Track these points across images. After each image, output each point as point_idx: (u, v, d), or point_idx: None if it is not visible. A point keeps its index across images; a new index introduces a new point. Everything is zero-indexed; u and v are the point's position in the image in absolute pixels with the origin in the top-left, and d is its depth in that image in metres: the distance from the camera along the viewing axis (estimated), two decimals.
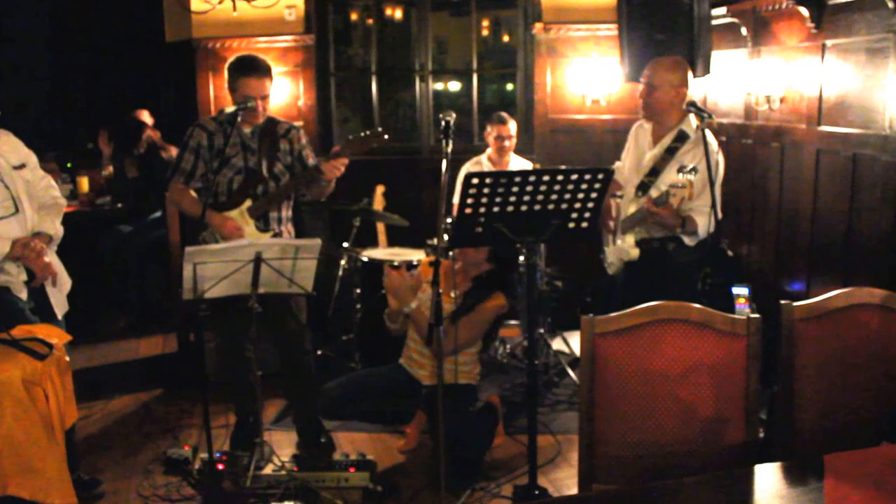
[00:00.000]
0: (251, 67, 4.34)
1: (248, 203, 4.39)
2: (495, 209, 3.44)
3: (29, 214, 3.87)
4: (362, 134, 4.32)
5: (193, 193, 4.51)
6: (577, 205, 3.52)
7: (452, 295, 4.47)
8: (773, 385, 3.03)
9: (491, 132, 6.33)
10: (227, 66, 4.42)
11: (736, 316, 2.87)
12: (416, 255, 5.66)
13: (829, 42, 4.81)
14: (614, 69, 6.43)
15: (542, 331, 5.91)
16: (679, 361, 2.82)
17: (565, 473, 4.45)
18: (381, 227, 6.38)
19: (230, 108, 4.27)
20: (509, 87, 7.75)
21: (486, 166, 6.38)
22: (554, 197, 3.46)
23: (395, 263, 5.11)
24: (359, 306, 5.87)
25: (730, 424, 2.86)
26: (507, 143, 6.28)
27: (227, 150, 4.32)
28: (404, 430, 4.85)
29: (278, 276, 3.94)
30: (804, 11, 4.83)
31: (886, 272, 4.40)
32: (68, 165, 7.51)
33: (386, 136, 4.36)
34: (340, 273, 6.07)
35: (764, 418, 4.00)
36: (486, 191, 3.39)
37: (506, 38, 8.22)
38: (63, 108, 8.39)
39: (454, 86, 8.55)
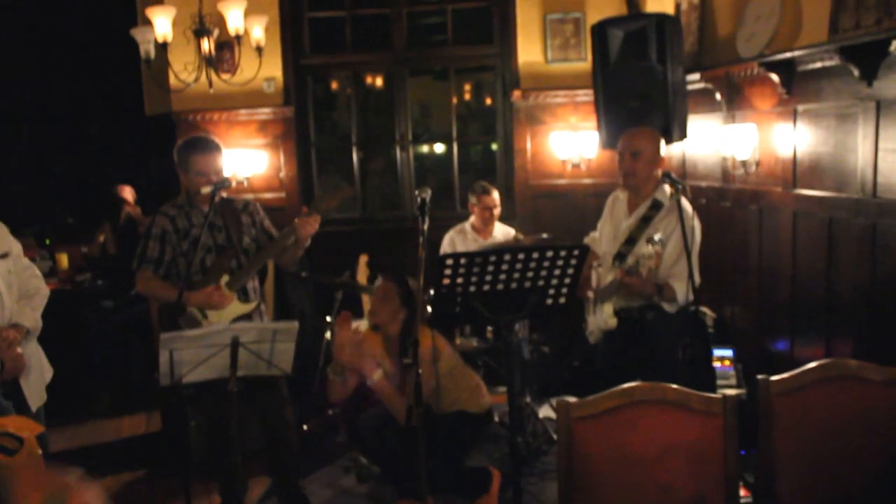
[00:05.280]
0: (202, 146, 4.42)
1: (225, 278, 4.39)
2: (472, 289, 3.43)
3: (8, 305, 3.83)
4: (330, 190, 4.38)
5: (161, 281, 4.48)
6: (554, 281, 3.51)
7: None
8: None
9: (476, 203, 6.35)
10: (175, 149, 4.47)
11: (712, 395, 2.85)
12: None
13: (800, 107, 4.86)
14: (593, 134, 6.48)
15: (528, 399, 5.86)
16: (656, 443, 2.81)
17: None
18: (365, 297, 6.35)
19: (207, 189, 4.28)
20: (494, 146, 7.80)
21: (470, 234, 6.39)
22: (530, 274, 3.46)
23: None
24: None
25: None
26: (490, 213, 6.30)
27: (193, 231, 4.39)
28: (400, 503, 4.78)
29: (257, 359, 3.91)
30: (775, 78, 4.88)
31: (866, 330, 4.40)
32: (47, 242, 7.48)
33: (352, 192, 4.42)
34: (325, 346, 6.03)
35: (751, 482, 3.97)
36: (461, 271, 3.39)
37: (489, 101, 8.28)
38: (42, 182, 8.39)
39: (439, 147, 8.60)
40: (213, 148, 4.42)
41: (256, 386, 4.28)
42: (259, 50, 6.29)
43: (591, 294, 4.56)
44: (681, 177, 5.32)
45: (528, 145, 7.17)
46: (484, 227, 6.38)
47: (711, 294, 5.82)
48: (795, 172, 4.95)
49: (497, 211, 6.37)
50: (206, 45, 6.14)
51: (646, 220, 4.38)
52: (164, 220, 4.46)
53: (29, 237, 6.72)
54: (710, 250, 5.15)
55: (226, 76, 6.60)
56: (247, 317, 4.44)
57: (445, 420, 4.61)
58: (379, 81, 8.27)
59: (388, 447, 4.73)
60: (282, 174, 7.29)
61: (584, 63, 6.93)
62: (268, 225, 4.63)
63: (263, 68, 6.57)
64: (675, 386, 2.86)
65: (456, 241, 6.42)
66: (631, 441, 2.81)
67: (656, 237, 3.98)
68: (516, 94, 7.08)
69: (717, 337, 5.64)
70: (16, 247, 3.99)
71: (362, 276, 6.26)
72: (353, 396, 4.99)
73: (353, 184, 7.67)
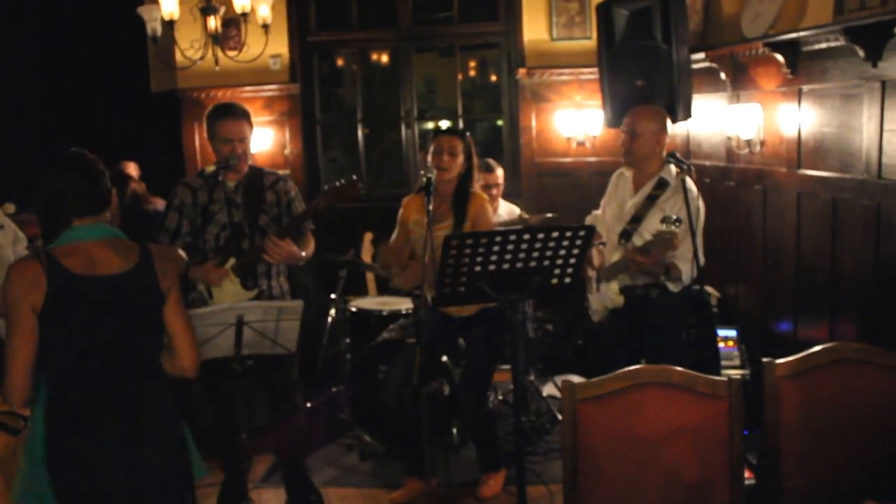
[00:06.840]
0: (226, 111, 4.32)
1: (231, 261, 4.29)
2: (477, 269, 3.43)
3: None
4: (337, 184, 4.26)
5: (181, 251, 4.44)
6: (559, 261, 3.51)
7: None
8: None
9: (479, 180, 6.33)
10: (205, 116, 4.39)
11: (717, 378, 2.87)
12: (406, 305, 5.66)
13: (805, 87, 4.86)
14: (598, 113, 6.47)
15: (532, 378, 5.89)
16: (661, 425, 2.83)
17: None
18: (370, 275, 6.37)
19: (211, 167, 4.25)
20: (500, 122, 7.80)
21: None
22: (535, 254, 3.46)
23: None
24: (348, 356, 5.85)
25: (715, 487, 2.87)
26: (494, 190, 6.29)
27: (211, 206, 4.29)
28: (405, 480, 4.80)
29: (261, 338, 3.92)
30: (780, 58, 4.88)
31: (870, 311, 4.42)
32: None
33: (361, 186, 4.32)
34: (329, 324, 6.05)
35: (754, 462, 4.01)
36: (466, 251, 3.40)
37: (494, 78, 8.27)
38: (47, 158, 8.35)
39: (444, 125, 8.58)
40: (237, 113, 4.29)
41: (267, 364, 4.27)
42: (265, 27, 6.30)
43: (592, 273, 4.57)
44: (685, 156, 5.30)
45: (534, 123, 7.16)
46: None
47: (715, 273, 5.84)
48: (800, 152, 4.96)
49: (500, 189, 6.35)
50: (213, 22, 6.15)
51: (651, 199, 4.38)
52: (186, 191, 4.38)
53: (32, 213, 6.71)
54: (714, 229, 5.17)
55: (232, 53, 6.62)
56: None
57: (473, 321, 4.65)
58: (384, 58, 8.25)
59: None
60: (286, 151, 7.29)
61: (589, 41, 6.90)
62: (296, 206, 4.44)
63: (270, 45, 6.59)
64: (680, 369, 2.88)
65: None
66: (636, 423, 2.83)
67: (674, 216, 3.96)
68: (521, 71, 7.07)
69: (721, 317, 5.64)
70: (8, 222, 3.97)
71: (367, 254, 6.27)
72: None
73: (358, 161, 7.67)
